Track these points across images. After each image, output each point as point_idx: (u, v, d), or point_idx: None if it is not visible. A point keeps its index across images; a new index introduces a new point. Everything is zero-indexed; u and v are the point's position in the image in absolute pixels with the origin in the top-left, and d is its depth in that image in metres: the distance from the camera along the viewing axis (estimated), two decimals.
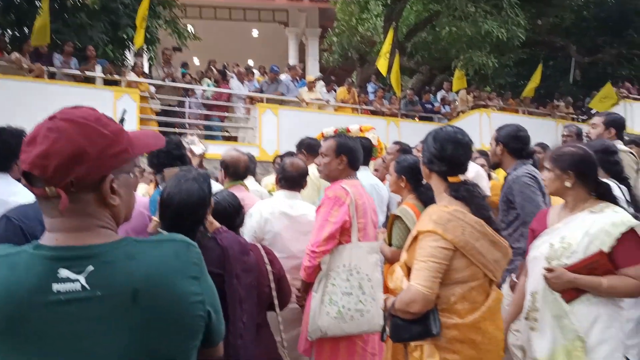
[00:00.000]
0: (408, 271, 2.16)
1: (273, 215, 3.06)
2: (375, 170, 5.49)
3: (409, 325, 2.02)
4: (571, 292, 2.25)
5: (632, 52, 17.38)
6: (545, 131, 14.93)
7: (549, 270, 2.26)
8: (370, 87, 15.32)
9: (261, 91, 12.01)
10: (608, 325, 2.20)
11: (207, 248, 2.10)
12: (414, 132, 13.10)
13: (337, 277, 2.65)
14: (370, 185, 3.92)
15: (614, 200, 2.35)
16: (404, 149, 4.79)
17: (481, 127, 14.63)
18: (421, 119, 14.39)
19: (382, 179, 5.25)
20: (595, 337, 2.18)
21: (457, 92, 15.32)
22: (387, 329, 2.12)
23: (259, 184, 5.43)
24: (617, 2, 15.78)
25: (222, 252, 2.22)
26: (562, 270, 2.25)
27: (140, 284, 1.07)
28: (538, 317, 2.31)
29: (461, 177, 2.22)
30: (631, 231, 2.19)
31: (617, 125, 3.97)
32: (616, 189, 3.06)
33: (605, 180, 2.99)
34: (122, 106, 9.49)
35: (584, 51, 17.33)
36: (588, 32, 17.40)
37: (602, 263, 2.22)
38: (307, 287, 2.78)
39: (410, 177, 3.39)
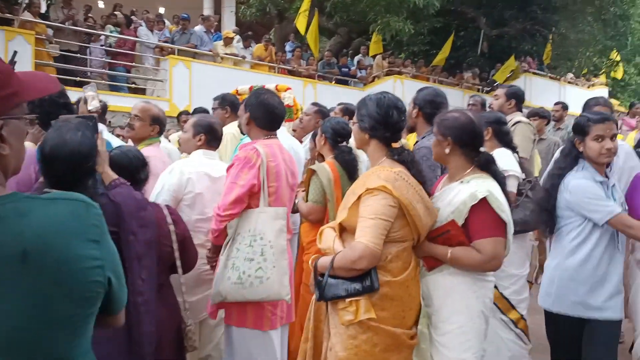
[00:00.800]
0: (341, 231, 2.15)
1: (196, 175, 2.96)
2: (294, 130, 5.42)
3: (347, 282, 2.02)
4: (431, 261, 2.26)
5: (535, 28, 18.37)
6: (453, 100, 15.41)
7: None
8: (288, 46, 15.06)
9: (172, 42, 11.39)
10: (464, 295, 2.20)
11: (99, 205, 1.95)
12: (331, 95, 13.13)
13: (242, 242, 2.57)
14: (287, 146, 3.86)
15: (494, 171, 2.32)
16: (321, 110, 4.75)
17: (394, 92, 14.91)
18: (337, 82, 14.41)
19: (300, 140, 5.21)
20: (450, 306, 2.20)
21: (373, 57, 15.47)
22: (315, 289, 2.10)
23: (167, 140, 5.19)
24: None
25: (116, 209, 2.12)
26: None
27: (30, 245, 0.97)
28: None
29: (398, 144, 2.23)
30: (483, 203, 2.15)
31: (517, 97, 4.17)
32: (511, 157, 3.27)
33: (501, 149, 3.27)
34: (13, 48, 8.58)
35: (492, 24, 18.06)
36: (497, 6, 18.10)
37: (454, 234, 2.19)
38: (216, 249, 2.70)
39: (331, 138, 3.46)
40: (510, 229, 2.22)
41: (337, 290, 2.04)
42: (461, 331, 2.18)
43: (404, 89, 15.13)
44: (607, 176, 2.76)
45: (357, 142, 2.31)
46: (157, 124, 3.44)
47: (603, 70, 21.02)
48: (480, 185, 2.19)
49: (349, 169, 3.39)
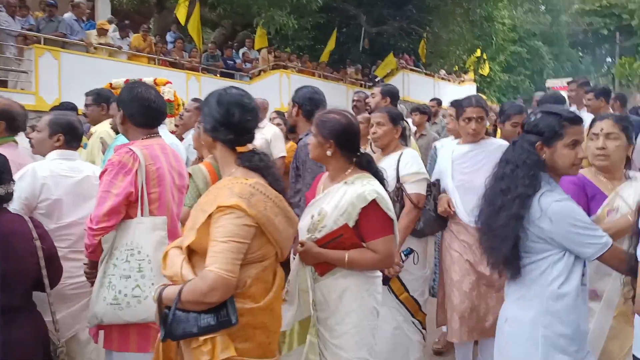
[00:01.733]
0: (190, 253, 1.84)
1: (53, 180, 2.65)
2: (176, 126, 5.19)
3: (198, 317, 1.71)
4: (323, 266, 2.26)
5: (411, 27, 19.36)
6: (338, 95, 15.97)
7: (301, 244, 2.26)
8: (169, 37, 14.44)
9: (38, 30, 10.40)
10: (357, 295, 2.25)
11: None
12: (214, 88, 12.77)
13: (119, 257, 2.32)
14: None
15: (374, 170, 2.36)
16: (201, 106, 4.59)
17: (281, 87, 14.98)
18: (222, 75, 14.11)
19: (181, 138, 4.99)
20: (344, 307, 2.22)
21: (258, 51, 15.36)
22: (161, 325, 1.76)
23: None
24: None
25: None
26: (310, 245, 2.25)
27: None
28: (290, 289, 2.32)
29: (250, 146, 1.99)
30: (372, 204, 2.19)
31: (392, 95, 4.36)
32: (419, 158, 3.41)
33: (410, 150, 3.35)
34: None
35: (372, 22, 18.75)
36: (376, 4, 18.82)
37: (347, 237, 2.22)
38: (93, 264, 2.42)
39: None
40: (397, 224, 2.30)
41: (187, 326, 1.71)
42: (356, 330, 2.21)
43: (291, 83, 15.22)
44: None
45: (206, 146, 2.06)
46: (2, 120, 3.02)
47: (471, 67, 22.69)
48: (366, 186, 2.21)
49: None
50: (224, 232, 1.70)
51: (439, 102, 7.56)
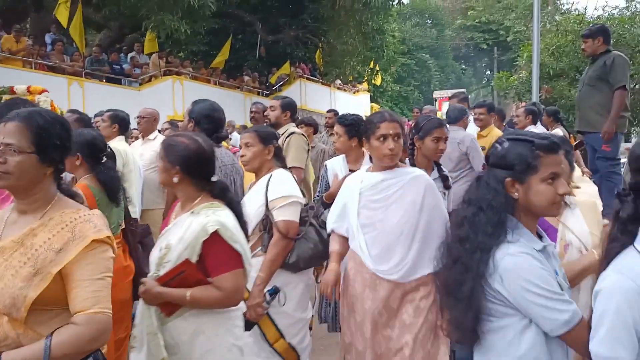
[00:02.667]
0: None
1: None
2: None
3: None
4: (168, 306, 2.06)
5: (307, 36, 19.57)
6: (235, 103, 15.71)
7: (142, 283, 2.09)
8: (48, 38, 13.33)
9: None
10: (212, 333, 2.07)
11: None
12: (101, 95, 12.04)
13: None
14: None
15: (229, 199, 2.19)
16: (82, 118, 4.19)
17: (174, 94, 14.42)
18: (109, 80, 13.27)
19: None
20: (199, 349, 2.03)
21: (148, 55, 14.67)
22: None
23: None
24: None
25: None
26: (151, 284, 2.05)
27: None
28: (137, 333, 2.12)
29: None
30: (215, 236, 2.00)
31: (292, 108, 4.27)
32: (291, 180, 2.89)
33: (280, 170, 2.85)
34: None
35: (268, 30, 18.68)
36: (272, 12, 18.79)
37: (190, 273, 2.02)
38: None
39: (88, 154, 2.93)
40: (247, 257, 2.10)
41: None
42: None
43: (184, 90, 14.70)
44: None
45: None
46: None
47: (365, 78, 23.44)
48: (210, 217, 2.03)
49: (113, 189, 2.95)
50: (100, 268, 1.57)
51: (336, 113, 7.60)
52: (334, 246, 2.76)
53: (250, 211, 2.59)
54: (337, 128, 3.56)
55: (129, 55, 14.79)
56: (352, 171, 3.48)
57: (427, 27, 40.15)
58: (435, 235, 2.50)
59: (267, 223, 2.74)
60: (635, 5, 12.34)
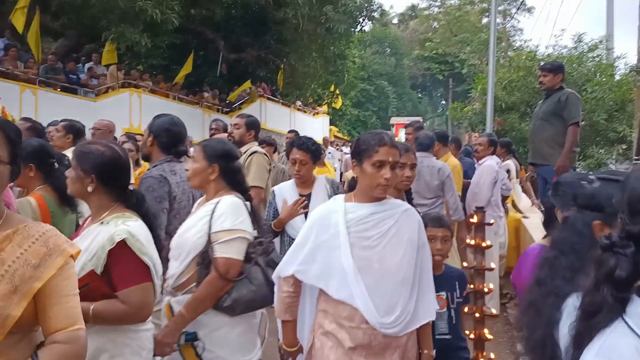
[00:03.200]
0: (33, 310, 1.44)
1: None
2: None
3: None
4: None
5: (269, 57, 19.68)
6: (194, 119, 15.52)
7: None
8: (1, 43, 12.86)
9: None
10: (117, 353, 1.92)
11: None
12: (55, 104, 11.68)
13: None
14: None
15: (145, 211, 2.10)
16: (34, 127, 4.04)
17: (131, 107, 14.15)
18: (64, 89, 12.89)
19: None
20: None
21: (107, 67, 14.38)
22: None
23: None
24: (259, 7, 17.52)
25: None
26: None
27: None
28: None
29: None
30: (122, 246, 1.89)
31: (256, 127, 4.26)
32: (242, 210, 2.46)
33: (230, 197, 2.43)
34: None
35: (230, 47, 18.68)
36: (235, 30, 18.82)
37: (96, 286, 1.89)
38: None
39: (39, 163, 2.80)
40: (157, 271, 2.01)
41: None
42: None
43: (142, 103, 14.44)
44: None
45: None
46: None
47: (325, 101, 23.70)
48: (119, 226, 1.92)
49: (66, 194, 2.83)
50: (74, 284, 1.51)
51: (297, 134, 7.65)
52: (287, 304, 2.31)
53: (189, 238, 2.37)
54: (301, 154, 3.29)
55: (86, 65, 14.44)
56: (302, 196, 3.35)
57: (386, 55, 41.16)
58: (429, 278, 2.28)
59: (206, 257, 2.34)
60: (582, 46, 13.04)
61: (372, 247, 2.14)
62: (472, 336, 3.19)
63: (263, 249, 2.47)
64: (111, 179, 2.04)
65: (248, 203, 2.51)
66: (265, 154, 4.09)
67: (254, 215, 2.52)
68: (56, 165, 2.89)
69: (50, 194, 2.78)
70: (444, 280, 2.70)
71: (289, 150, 3.45)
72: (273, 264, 2.44)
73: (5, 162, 1.44)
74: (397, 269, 2.14)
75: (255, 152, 4.01)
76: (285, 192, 3.39)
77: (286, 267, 2.26)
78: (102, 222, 1.97)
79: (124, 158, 2.08)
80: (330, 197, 3.10)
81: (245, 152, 4.02)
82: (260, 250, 2.45)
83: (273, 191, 3.44)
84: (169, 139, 3.02)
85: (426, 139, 4.84)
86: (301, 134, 8.93)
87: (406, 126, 6.43)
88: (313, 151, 3.36)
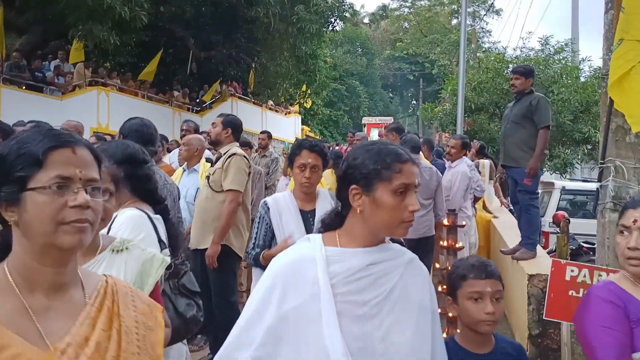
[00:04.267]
0: None
1: None
2: None
3: None
4: None
5: (239, 56, 19.53)
6: (163, 118, 15.29)
7: None
8: None
9: None
10: None
11: None
12: (20, 103, 11.34)
13: None
14: None
15: None
16: (2, 128, 3.92)
17: (99, 105, 13.85)
18: (29, 88, 12.53)
19: None
20: None
21: (73, 64, 14.03)
22: None
23: None
24: (229, 5, 17.36)
25: None
26: None
27: None
28: None
29: None
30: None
31: (234, 126, 4.11)
32: (145, 224, 2.07)
33: (130, 211, 2.05)
34: None
35: (200, 46, 18.47)
36: (205, 29, 18.61)
37: None
38: None
39: None
40: None
41: None
42: None
43: (110, 102, 14.15)
44: None
45: None
46: None
47: (297, 101, 23.70)
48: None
49: None
50: None
51: (269, 135, 7.61)
52: None
53: None
54: (314, 158, 2.70)
55: (52, 63, 14.07)
56: (304, 212, 2.72)
57: (357, 55, 41.35)
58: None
59: None
60: (549, 49, 13.37)
61: (370, 317, 1.38)
62: None
63: (171, 273, 2.07)
64: None
65: (159, 217, 2.12)
66: (244, 156, 3.95)
67: (169, 231, 2.16)
68: None
69: None
70: None
71: (295, 153, 2.72)
72: (186, 292, 2.10)
73: (113, 194, 1.35)
74: (409, 351, 1.38)
75: (234, 154, 3.88)
76: (282, 206, 2.74)
77: (234, 354, 1.40)
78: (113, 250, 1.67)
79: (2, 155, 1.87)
80: None
81: (224, 154, 3.93)
82: (166, 274, 2.01)
83: (266, 203, 2.79)
84: (138, 139, 2.99)
85: (413, 141, 4.99)
86: (273, 133, 8.89)
87: (386, 127, 6.49)
88: (325, 155, 2.80)
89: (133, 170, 2.06)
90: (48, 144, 1.00)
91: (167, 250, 2.05)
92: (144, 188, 2.12)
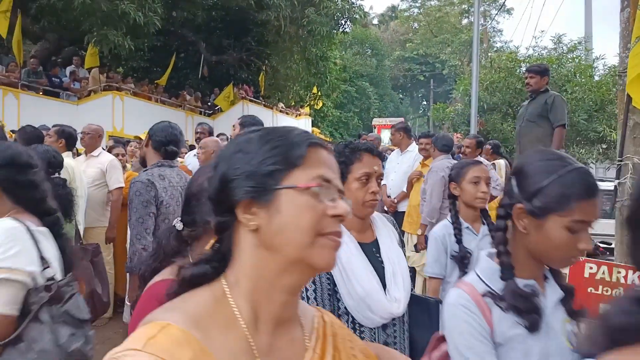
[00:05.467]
0: None
1: None
2: None
3: None
4: None
5: (250, 59, 19.65)
6: (176, 121, 15.31)
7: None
8: None
9: None
10: None
11: None
12: (37, 108, 11.54)
13: None
14: None
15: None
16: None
17: (114, 110, 14.03)
18: (46, 93, 12.74)
19: None
20: None
21: (88, 70, 14.23)
22: None
23: None
24: (240, 9, 17.48)
25: None
26: None
27: None
28: None
29: None
30: None
31: (250, 126, 4.20)
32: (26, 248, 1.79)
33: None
34: None
35: (212, 50, 18.62)
36: (216, 33, 18.75)
37: None
38: None
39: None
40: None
41: None
42: None
43: (125, 106, 14.32)
44: None
45: None
46: None
47: (307, 103, 23.74)
48: None
49: (63, 206, 2.88)
50: None
51: None
52: None
53: None
54: (379, 165, 1.71)
55: (68, 68, 14.27)
56: (365, 247, 1.80)
57: (367, 56, 41.37)
58: None
59: None
60: (562, 47, 13.30)
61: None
62: None
63: (51, 296, 1.74)
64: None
65: (45, 230, 1.86)
66: None
67: (61, 246, 1.91)
68: (57, 175, 2.91)
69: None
70: None
71: (350, 159, 1.82)
72: (70, 320, 1.78)
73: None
74: None
75: None
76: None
77: None
78: None
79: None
80: (399, 243, 1.93)
81: None
82: (45, 298, 1.71)
83: None
84: (162, 138, 3.08)
85: (446, 139, 4.97)
86: None
87: (394, 127, 6.52)
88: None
89: (14, 175, 1.82)
90: (308, 140, 0.84)
91: (50, 270, 1.76)
92: (27, 197, 1.84)
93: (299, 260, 0.80)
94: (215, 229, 0.85)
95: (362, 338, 1.62)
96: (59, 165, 2.96)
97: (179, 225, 1.39)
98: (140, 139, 7.73)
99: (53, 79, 13.14)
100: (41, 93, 12.56)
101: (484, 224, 2.61)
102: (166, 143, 3.13)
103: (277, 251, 0.80)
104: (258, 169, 0.81)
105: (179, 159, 5.94)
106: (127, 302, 2.80)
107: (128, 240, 4.75)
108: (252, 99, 20.84)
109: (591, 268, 2.98)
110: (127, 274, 3.20)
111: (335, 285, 1.68)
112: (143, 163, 3.25)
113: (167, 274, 1.14)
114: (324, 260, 0.80)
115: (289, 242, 0.79)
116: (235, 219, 0.82)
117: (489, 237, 2.34)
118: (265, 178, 0.80)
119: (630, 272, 2.78)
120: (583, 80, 11.65)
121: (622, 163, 3.26)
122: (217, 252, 0.86)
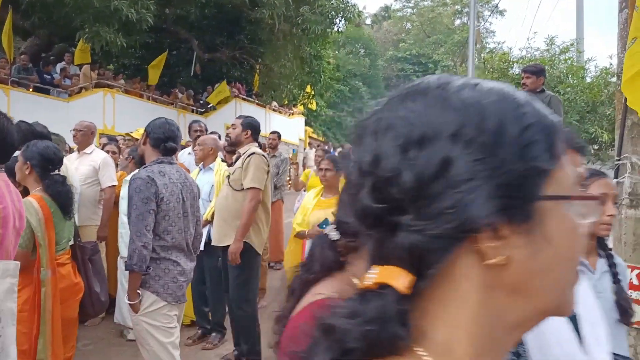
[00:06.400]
0: None
1: None
2: None
3: None
4: None
5: (243, 57, 19.57)
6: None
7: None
8: None
9: None
10: None
11: None
12: (27, 104, 11.41)
13: None
14: None
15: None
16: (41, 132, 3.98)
17: (105, 107, 13.92)
18: (36, 90, 12.61)
19: None
20: None
21: (79, 66, 14.10)
22: None
23: None
24: (233, 7, 17.38)
25: None
26: None
27: None
28: None
29: None
30: None
31: (253, 127, 4.22)
32: None
33: None
34: None
35: (204, 47, 18.52)
36: (209, 30, 18.65)
37: None
38: None
39: (39, 165, 2.94)
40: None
41: None
42: None
43: (116, 104, 14.21)
44: None
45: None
46: None
47: (301, 102, 23.70)
48: None
49: (63, 203, 2.93)
50: None
51: (279, 135, 7.66)
52: None
53: None
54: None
55: (58, 65, 14.14)
56: None
57: (360, 55, 41.37)
58: None
59: None
60: (554, 49, 13.36)
61: None
62: None
63: None
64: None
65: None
66: (263, 155, 4.09)
67: None
68: (57, 172, 2.93)
69: (47, 196, 2.83)
70: None
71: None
72: None
73: None
74: None
75: (253, 153, 4.01)
76: None
77: None
78: None
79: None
80: None
81: (244, 154, 4.05)
82: None
83: None
84: (160, 134, 3.07)
85: None
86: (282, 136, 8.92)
87: None
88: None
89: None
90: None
91: None
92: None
93: (554, 309, 0.51)
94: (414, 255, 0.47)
95: None
96: (59, 162, 2.96)
97: (334, 235, 1.20)
98: (130, 136, 7.65)
99: (44, 75, 13.01)
100: (31, 90, 12.43)
101: (600, 256, 1.85)
102: (165, 140, 3.14)
103: (530, 297, 0.49)
104: (516, 166, 0.47)
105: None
106: (126, 301, 2.78)
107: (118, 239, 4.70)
108: (245, 97, 20.77)
109: None
110: (126, 274, 3.16)
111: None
112: (141, 160, 3.24)
113: (324, 288, 1.00)
114: (572, 303, 0.53)
115: (556, 285, 0.50)
116: (460, 243, 0.47)
117: (609, 273, 1.79)
118: (526, 181, 0.48)
119: (629, 270, 2.78)
120: (575, 81, 11.72)
121: (620, 162, 3.27)
122: (406, 299, 0.47)
